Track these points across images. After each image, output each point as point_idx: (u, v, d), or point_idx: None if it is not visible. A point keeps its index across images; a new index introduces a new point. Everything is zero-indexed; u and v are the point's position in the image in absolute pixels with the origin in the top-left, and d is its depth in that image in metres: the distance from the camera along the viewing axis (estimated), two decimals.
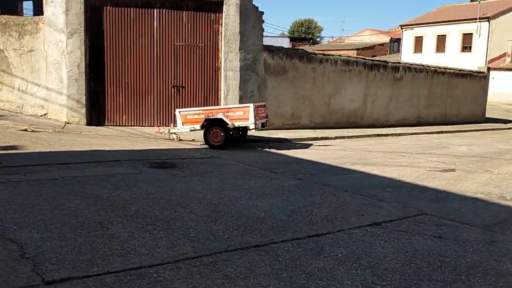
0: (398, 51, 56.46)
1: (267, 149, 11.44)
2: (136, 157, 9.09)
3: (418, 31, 46.02)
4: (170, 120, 13.49)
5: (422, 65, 19.33)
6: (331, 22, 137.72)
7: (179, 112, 11.27)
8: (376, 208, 6.29)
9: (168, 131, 11.82)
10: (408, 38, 47.19)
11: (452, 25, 42.18)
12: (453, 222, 5.79)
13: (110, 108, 13.20)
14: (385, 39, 62.77)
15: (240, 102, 13.48)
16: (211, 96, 13.71)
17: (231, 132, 10.92)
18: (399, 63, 18.29)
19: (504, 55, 38.48)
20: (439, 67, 20.28)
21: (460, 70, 21.51)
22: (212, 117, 10.87)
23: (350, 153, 11.44)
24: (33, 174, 6.96)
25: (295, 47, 15.12)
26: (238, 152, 10.70)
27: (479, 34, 39.77)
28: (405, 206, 6.50)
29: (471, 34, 40.61)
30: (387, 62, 17.82)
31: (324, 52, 16.25)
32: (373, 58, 17.64)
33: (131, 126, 13.33)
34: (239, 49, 13.36)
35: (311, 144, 12.72)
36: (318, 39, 78.65)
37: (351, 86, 16.54)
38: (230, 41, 13.31)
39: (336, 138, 14.30)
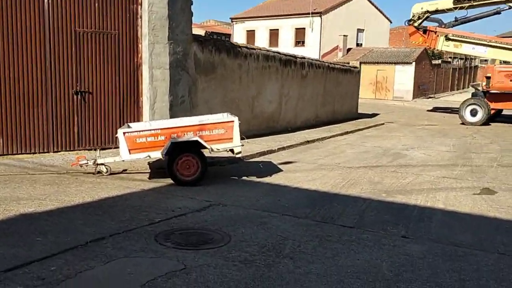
0: None
1: (245, 178, 8.35)
2: (114, 224, 5.29)
3: (249, 24, 45.49)
4: (73, 141, 9.31)
5: (319, 61, 17.87)
6: None
7: (124, 133, 7.41)
8: None
9: (94, 162, 7.85)
10: (239, 32, 46.36)
11: (285, 19, 42.55)
12: None
13: None
14: (200, 32, 61.65)
15: (171, 110, 9.98)
16: (129, 104, 9.85)
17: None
18: (304, 58, 16.43)
19: (336, 48, 40.13)
20: (331, 63, 19.13)
21: (343, 65, 20.74)
22: (180, 139, 7.36)
23: (344, 174, 9.05)
24: None
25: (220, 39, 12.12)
26: (221, 188, 7.44)
27: (312, 29, 40.83)
28: None
29: (304, 28, 41.47)
30: (296, 57, 15.82)
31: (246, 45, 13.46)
32: (286, 53, 15.40)
33: (12, 154, 8.76)
34: (168, 39, 9.78)
35: (270, 162, 10.01)
36: None
37: (270, 85, 14.10)
38: (157, 27, 9.63)
39: (279, 150, 11.76)
